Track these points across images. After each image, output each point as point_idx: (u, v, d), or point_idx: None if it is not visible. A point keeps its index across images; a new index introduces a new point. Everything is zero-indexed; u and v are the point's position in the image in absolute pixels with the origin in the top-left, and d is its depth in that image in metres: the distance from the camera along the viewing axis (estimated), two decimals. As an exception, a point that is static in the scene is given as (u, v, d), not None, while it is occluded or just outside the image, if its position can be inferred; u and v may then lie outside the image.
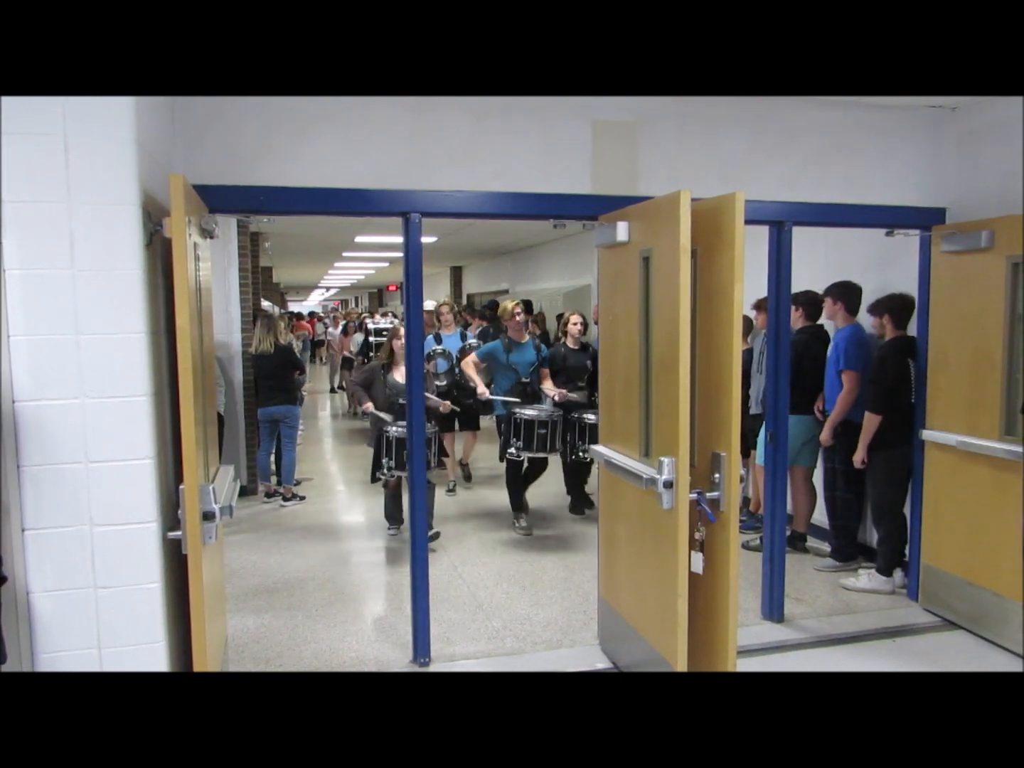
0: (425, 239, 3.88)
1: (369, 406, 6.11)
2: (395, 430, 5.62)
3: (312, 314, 28.82)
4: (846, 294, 5.18)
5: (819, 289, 5.43)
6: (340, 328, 16.36)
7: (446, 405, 6.63)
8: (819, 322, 5.49)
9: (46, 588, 2.49)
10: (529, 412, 6.09)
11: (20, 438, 2.43)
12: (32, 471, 2.45)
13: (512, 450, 6.11)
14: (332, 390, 17.09)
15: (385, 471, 5.74)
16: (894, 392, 4.67)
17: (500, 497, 7.02)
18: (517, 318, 6.82)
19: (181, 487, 2.59)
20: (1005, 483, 3.91)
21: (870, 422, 4.72)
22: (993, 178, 4.25)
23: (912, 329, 4.74)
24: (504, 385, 6.73)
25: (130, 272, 2.49)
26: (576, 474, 6.80)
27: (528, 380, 6.66)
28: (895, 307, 4.81)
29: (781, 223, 4.19)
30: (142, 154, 2.56)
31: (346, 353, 13.93)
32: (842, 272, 5.40)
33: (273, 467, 7.67)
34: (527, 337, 6.97)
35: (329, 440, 11.59)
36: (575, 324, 6.75)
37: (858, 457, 4.82)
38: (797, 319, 5.38)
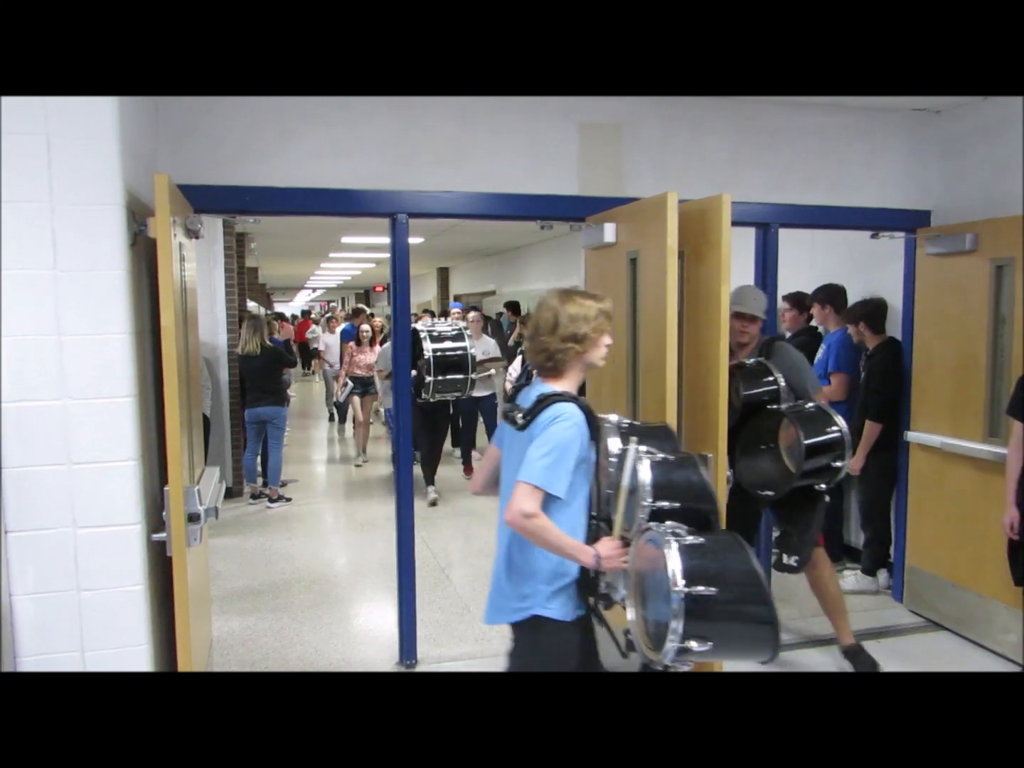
0: (412, 240, 3.87)
1: None
2: None
3: (306, 314, 27.51)
4: (833, 297, 5.19)
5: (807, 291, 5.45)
6: (339, 332, 11.94)
7: None
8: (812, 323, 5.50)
9: (28, 591, 2.47)
10: None
11: (2, 440, 2.40)
12: (14, 473, 2.42)
13: None
14: (331, 417, 12.51)
15: None
16: (895, 400, 4.66)
17: (484, 501, 7.01)
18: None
19: (166, 489, 2.57)
20: (989, 484, 3.93)
21: (871, 431, 4.67)
22: (977, 181, 4.28)
23: (896, 332, 4.76)
24: None
25: (114, 272, 2.47)
26: None
27: None
28: (868, 313, 4.81)
29: (767, 225, 4.20)
30: (126, 154, 2.54)
31: (359, 371, 9.39)
32: (828, 275, 5.43)
33: (259, 468, 7.63)
34: None
35: (316, 442, 11.53)
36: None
37: (857, 465, 4.73)
38: (801, 320, 5.39)
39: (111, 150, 2.46)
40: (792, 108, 4.24)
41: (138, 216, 2.62)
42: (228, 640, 4.34)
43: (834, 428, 3.36)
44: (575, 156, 4.00)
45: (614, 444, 2.41)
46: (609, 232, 3.65)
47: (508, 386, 7.33)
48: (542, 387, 2.43)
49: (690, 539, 2.16)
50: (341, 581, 5.40)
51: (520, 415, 2.39)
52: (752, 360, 3.64)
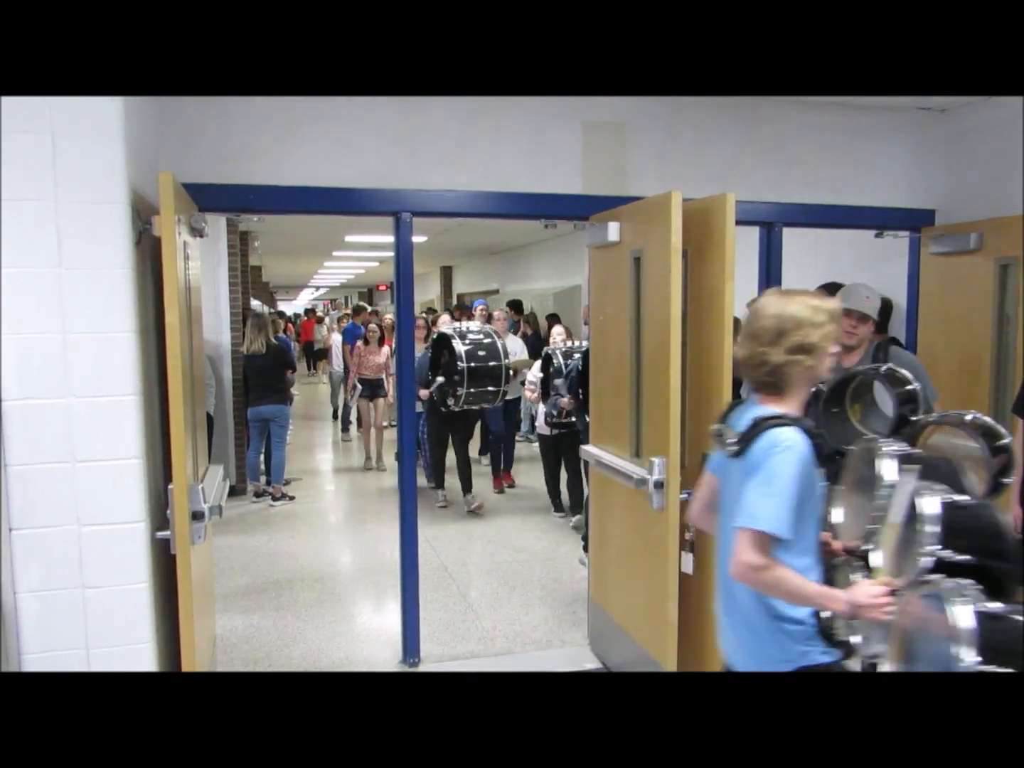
0: (415, 239, 3.87)
1: None
2: None
3: (310, 312, 27.31)
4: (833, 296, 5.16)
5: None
6: (343, 332, 11.71)
7: None
8: None
9: (33, 588, 2.48)
10: None
11: (6, 437, 2.41)
12: (19, 471, 2.43)
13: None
14: (335, 415, 12.18)
15: None
16: None
17: (489, 500, 7.01)
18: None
19: (170, 487, 2.58)
20: (993, 484, 3.91)
21: None
22: (982, 180, 4.27)
23: (900, 331, 4.75)
24: None
25: (118, 271, 2.48)
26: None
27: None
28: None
29: (771, 224, 4.20)
30: (130, 152, 2.54)
31: (368, 373, 8.80)
32: (832, 274, 5.41)
33: (262, 467, 7.64)
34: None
35: (319, 443, 11.54)
36: None
37: None
38: None
39: (116, 149, 2.46)
40: (796, 107, 4.23)
41: (143, 214, 2.63)
42: (231, 638, 4.35)
43: (1004, 442, 2.63)
44: (579, 155, 4.00)
45: (889, 471, 2.05)
46: (613, 231, 3.65)
47: (530, 392, 7.04)
48: (758, 408, 2.09)
49: (989, 605, 1.73)
50: (344, 579, 5.40)
51: (732, 440, 2.07)
52: (884, 367, 3.10)
